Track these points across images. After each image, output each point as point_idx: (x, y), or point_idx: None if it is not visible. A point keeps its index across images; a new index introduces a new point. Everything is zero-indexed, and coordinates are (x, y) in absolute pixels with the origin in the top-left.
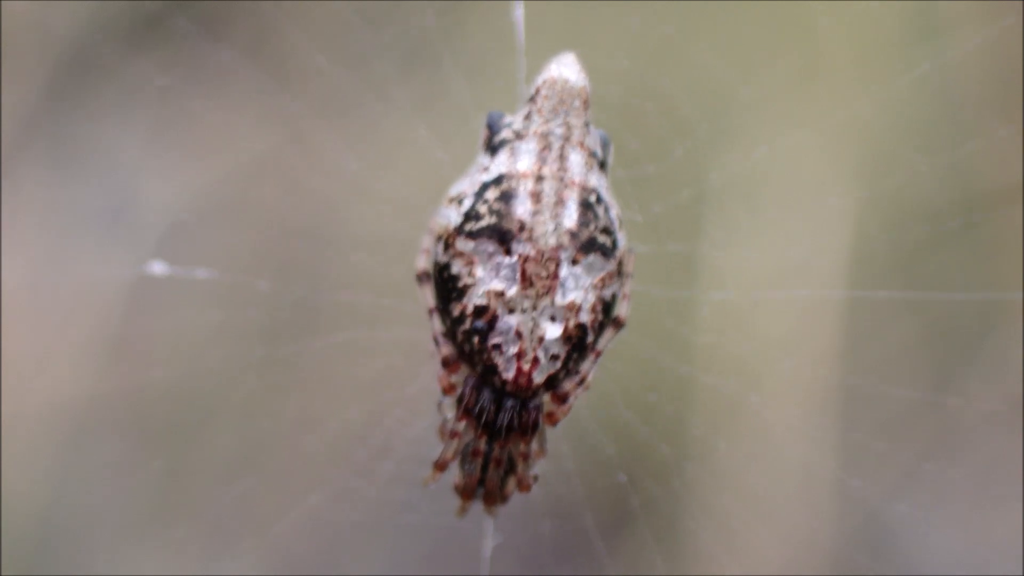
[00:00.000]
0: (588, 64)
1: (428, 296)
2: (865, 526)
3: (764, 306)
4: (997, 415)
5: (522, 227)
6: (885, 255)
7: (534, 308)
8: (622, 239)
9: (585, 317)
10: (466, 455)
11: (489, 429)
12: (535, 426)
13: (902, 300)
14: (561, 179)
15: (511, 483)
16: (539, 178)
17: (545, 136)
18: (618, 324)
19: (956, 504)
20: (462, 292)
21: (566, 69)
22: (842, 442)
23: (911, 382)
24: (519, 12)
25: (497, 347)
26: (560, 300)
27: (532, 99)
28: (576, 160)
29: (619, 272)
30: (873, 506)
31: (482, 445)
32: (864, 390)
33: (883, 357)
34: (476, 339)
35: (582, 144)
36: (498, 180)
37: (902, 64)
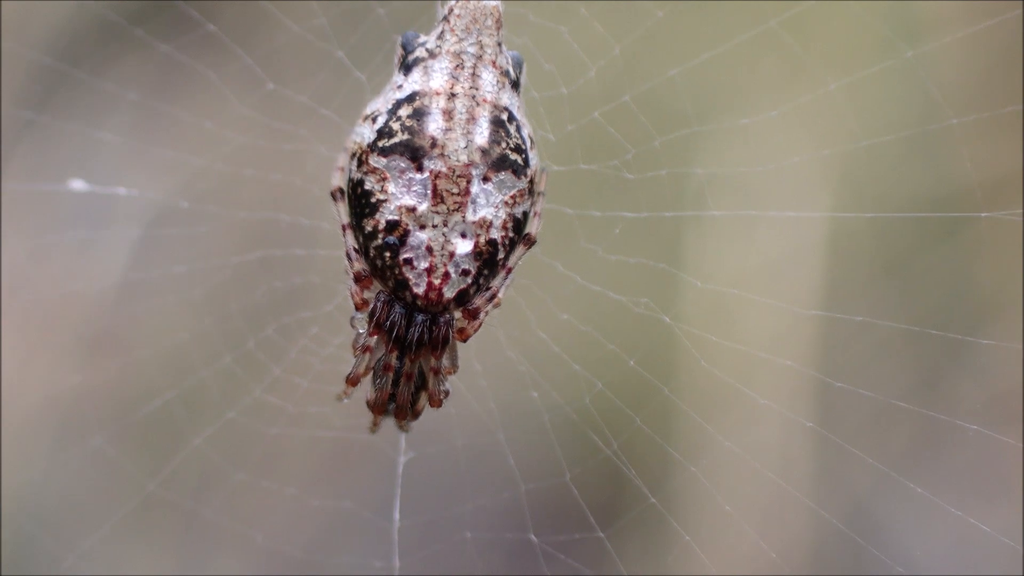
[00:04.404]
0: None
1: (342, 213)
2: (853, 522)
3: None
4: (984, 412)
5: (434, 144)
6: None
7: (445, 224)
8: (534, 158)
9: (496, 234)
10: (378, 370)
11: (400, 344)
12: (445, 341)
13: (893, 298)
14: (473, 97)
15: (422, 398)
16: (451, 95)
17: (458, 55)
18: (529, 241)
19: (946, 501)
20: (375, 208)
21: None
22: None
23: (902, 379)
24: None
25: (408, 262)
26: (471, 216)
27: (446, 18)
28: (488, 79)
29: (531, 190)
30: (861, 502)
31: (393, 360)
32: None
33: (869, 356)
34: (387, 254)
35: (495, 63)
36: (411, 98)
37: (887, 61)
